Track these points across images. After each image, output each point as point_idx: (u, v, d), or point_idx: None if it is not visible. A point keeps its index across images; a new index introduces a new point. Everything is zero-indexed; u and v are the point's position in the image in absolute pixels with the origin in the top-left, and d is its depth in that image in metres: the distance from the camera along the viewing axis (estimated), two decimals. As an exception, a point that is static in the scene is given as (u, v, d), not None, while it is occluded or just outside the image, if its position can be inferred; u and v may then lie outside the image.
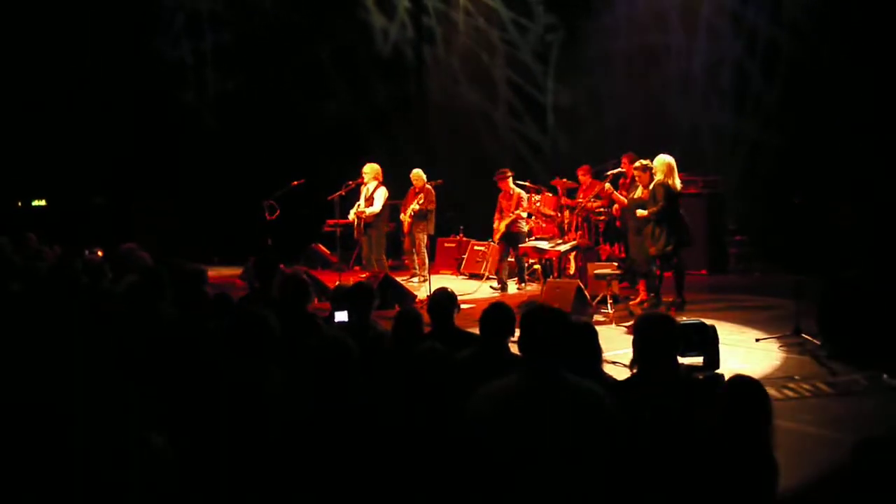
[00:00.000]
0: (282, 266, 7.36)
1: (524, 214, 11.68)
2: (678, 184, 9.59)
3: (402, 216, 12.22)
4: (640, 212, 9.71)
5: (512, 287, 11.87)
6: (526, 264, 12.03)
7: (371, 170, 11.48)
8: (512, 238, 11.63)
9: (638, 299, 9.94)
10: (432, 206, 12.12)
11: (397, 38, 15.98)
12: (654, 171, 9.62)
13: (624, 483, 3.15)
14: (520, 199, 11.66)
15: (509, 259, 12.49)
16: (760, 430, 3.22)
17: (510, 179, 11.79)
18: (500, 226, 11.76)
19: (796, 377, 6.90)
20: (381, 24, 15.92)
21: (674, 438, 3.34)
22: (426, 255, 12.11)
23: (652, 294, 9.75)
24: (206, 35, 16.06)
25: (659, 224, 9.48)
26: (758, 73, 12.92)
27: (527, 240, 11.48)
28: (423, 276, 11.67)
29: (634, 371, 3.78)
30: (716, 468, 3.20)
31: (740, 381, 3.36)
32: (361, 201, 11.45)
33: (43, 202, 15.08)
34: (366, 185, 11.47)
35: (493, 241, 12.20)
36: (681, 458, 3.28)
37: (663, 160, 9.54)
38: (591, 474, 3.04)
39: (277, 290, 5.60)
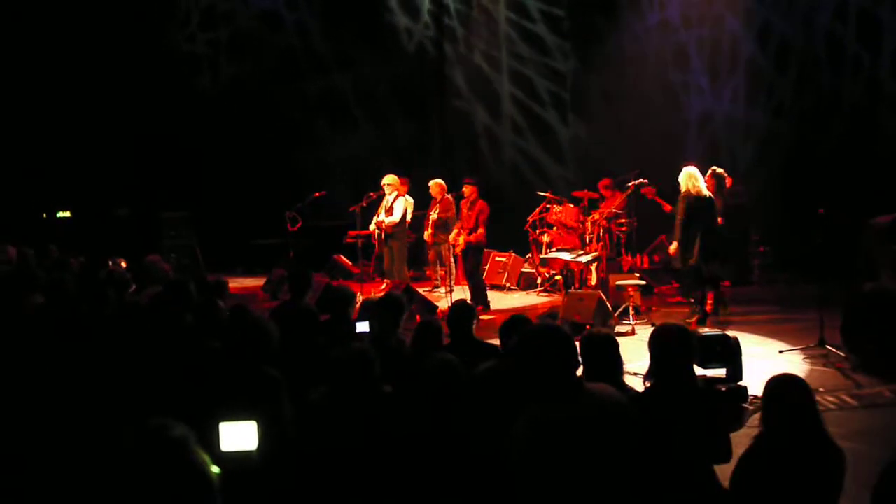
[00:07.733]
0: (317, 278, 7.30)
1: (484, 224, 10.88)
2: (704, 191, 9.37)
3: (426, 234, 11.79)
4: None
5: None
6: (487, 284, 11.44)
7: (391, 181, 11.49)
8: (472, 253, 10.99)
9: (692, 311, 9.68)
10: (451, 215, 11.44)
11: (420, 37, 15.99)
12: (679, 184, 9.44)
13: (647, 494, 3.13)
14: (482, 209, 10.93)
15: (524, 269, 12.46)
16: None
17: (476, 189, 11.10)
18: (460, 240, 10.99)
19: (820, 389, 6.78)
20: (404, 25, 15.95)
21: (691, 449, 3.32)
22: (453, 265, 11.77)
23: (697, 307, 9.49)
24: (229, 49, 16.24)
25: (687, 236, 9.31)
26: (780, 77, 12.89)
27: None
28: (449, 286, 11.13)
29: (649, 384, 3.77)
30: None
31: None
32: (381, 212, 11.46)
33: (68, 214, 15.22)
34: (386, 196, 11.49)
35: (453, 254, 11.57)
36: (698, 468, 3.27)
37: (685, 172, 9.40)
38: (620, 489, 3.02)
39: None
